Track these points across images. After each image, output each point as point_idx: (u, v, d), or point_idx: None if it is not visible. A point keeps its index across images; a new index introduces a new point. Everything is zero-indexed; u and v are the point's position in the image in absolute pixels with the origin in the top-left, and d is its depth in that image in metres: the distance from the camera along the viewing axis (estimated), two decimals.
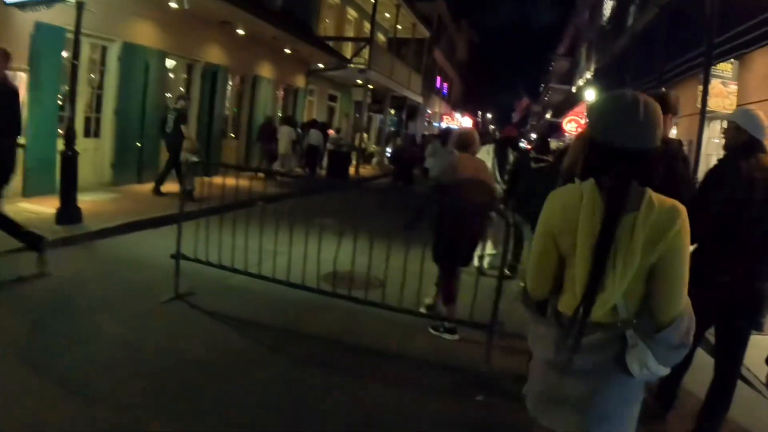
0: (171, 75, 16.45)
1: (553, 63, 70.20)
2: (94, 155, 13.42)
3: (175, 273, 7.06)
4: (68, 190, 9.60)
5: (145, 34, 14.40)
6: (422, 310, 7.04)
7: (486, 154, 9.92)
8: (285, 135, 20.32)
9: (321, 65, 24.78)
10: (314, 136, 21.88)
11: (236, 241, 7.59)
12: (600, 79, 31.31)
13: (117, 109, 13.77)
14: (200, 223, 7.64)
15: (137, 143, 14.45)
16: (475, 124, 61.01)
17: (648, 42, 18.53)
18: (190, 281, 7.25)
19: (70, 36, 9.93)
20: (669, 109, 4.31)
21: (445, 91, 58.46)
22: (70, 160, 9.63)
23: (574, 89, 47.22)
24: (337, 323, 6.89)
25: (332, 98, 29.99)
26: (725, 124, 4.66)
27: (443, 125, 48.25)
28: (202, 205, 10.58)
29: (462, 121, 56.54)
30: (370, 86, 29.33)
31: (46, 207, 10.11)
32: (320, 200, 13.85)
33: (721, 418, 4.45)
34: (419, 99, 39.59)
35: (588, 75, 39.97)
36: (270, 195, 15.46)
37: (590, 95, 28.42)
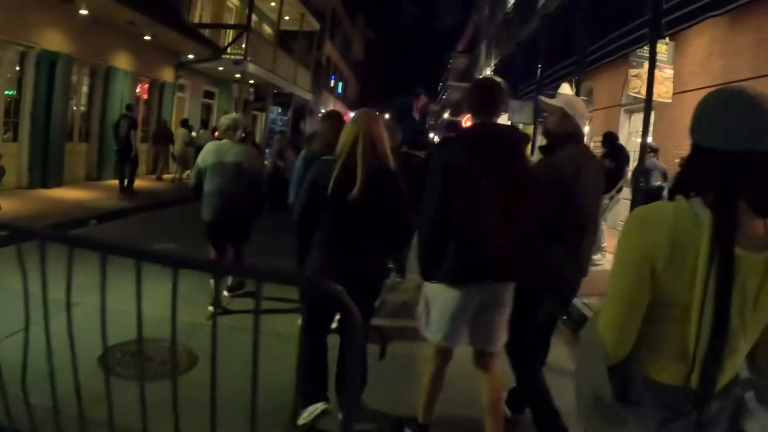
0: None
1: (451, 61, 69.58)
2: None
3: None
4: None
5: None
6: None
7: None
8: (180, 137, 19.83)
9: (192, 56, 21.78)
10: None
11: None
12: (504, 72, 29.43)
13: None
14: None
15: None
16: None
17: (566, 22, 16.45)
18: None
19: None
20: None
21: (339, 89, 56.60)
22: None
23: None
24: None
25: (209, 95, 26.89)
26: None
27: None
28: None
29: None
30: (251, 81, 26.68)
31: None
32: (178, 213, 12.15)
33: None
34: (308, 96, 36.89)
35: (488, 71, 38.96)
36: (114, 210, 13.10)
37: None
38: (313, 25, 35.70)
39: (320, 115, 45.63)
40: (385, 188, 4.23)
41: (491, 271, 3.88)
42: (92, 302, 5.65)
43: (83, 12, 14.76)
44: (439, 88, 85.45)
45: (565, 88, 20.88)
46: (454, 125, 45.03)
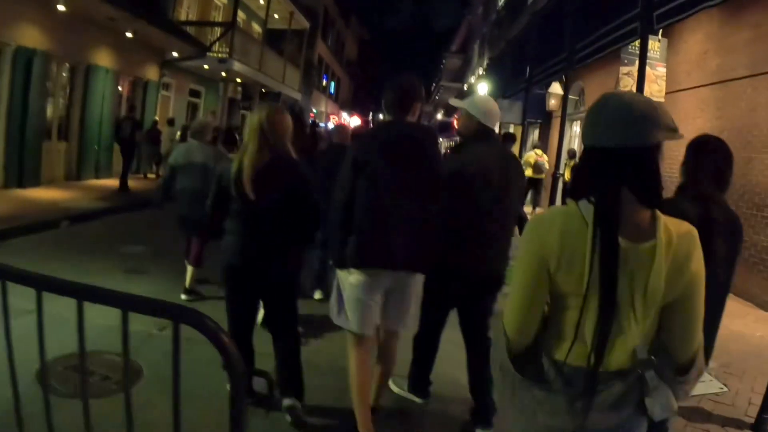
0: None
1: (444, 61, 69.26)
2: None
3: None
4: None
5: None
6: None
7: None
8: (167, 136, 19.72)
9: (176, 54, 21.34)
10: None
11: None
12: (494, 71, 29.11)
13: None
14: None
15: None
16: (365, 123, 60.23)
17: (555, 19, 16.07)
18: None
19: None
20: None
21: (332, 89, 56.26)
22: None
23: (465, 87, 46.56)
24: None
25: (195, 94, 26.43)
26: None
27: (330, 125, 46.11)
28: None
29: (350, 121, 54.55)
30: (238, 80, 26.31)
31: None
32: (155, 213, 11.94)
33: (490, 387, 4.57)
34: (297, 95, 36.39)
35: (480, 71, 38.74)
36: (90, 210, 12.84)
37: (483, 89, 26.36)
38: (303, 23, 35.29)
39: (311, 114, 45.47)
40: (283, 176, 4.37)
41: (386, 259, 4.09)
42: (47, 309, 5.48)
43: (61, 8, 14.39)
44: (432, 88, 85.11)
45: (555, 88, 20.57)
46: (446, 126, 44.70)
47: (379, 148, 4.10)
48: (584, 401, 2.10)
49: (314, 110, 47.11)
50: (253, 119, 4.38)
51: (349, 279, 4.17)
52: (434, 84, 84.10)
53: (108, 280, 7.56)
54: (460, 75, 56.53)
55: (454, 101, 5.10)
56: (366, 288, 4.13)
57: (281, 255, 4.50)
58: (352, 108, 65.38)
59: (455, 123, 5.31)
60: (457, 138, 5.28)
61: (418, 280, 4.34)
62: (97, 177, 18.01)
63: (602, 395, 2.10)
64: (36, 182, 14.88)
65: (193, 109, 26.40)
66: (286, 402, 4.53)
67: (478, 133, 4.52)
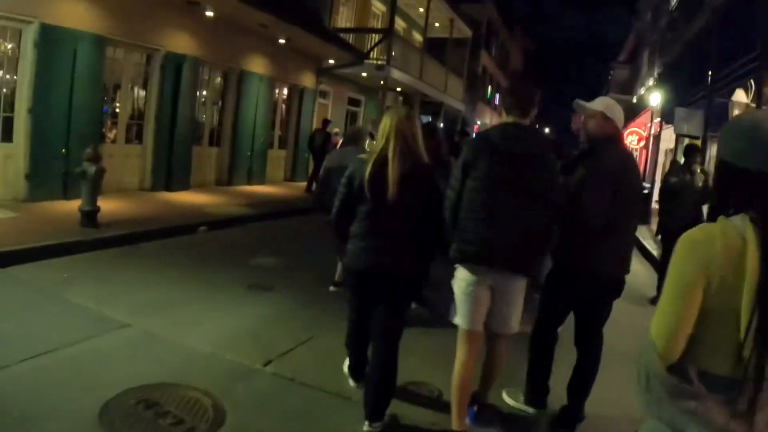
0: (118, 66, 13.39)
1: (612, 72, 66.68)
2: (3, 164, 10.77)
3: None
4: None
5: (75, 14, 11.47)
6: None
7: None
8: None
9: (332, 61, 21.12)
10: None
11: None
12: (668, 78, 27.03)
13: (32, 108, 10.89)
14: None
15: (63, 150, 11.45)
16: None
17: (741, 12, 14.37)
18: None
19: None
20: None
21: (496, 101, 55.15)
22: None
23: (635, 99, 44.30)
24: None
25: (354, 102, 26.30)
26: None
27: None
28: (114, 231, 9.43)
29: None
30: (398, 88, 25.82)
31: None
32: (300, 222, 12.45)
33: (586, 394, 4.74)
34: (460, 106, 35.45)
35: (650, 82, 36.59)
36: (234, 216, 12.70)
37: (655, 99, 24.41)
38: (465, 32, 34.39)
39: (476, 126, 44.60)
40: (420, 185, 4.35)
41: (486, 257, 4.15)
42: (145, 325, 5.17)
43: (209, 14, 14.44)
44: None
45: (739, 95, 18.48)
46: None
47: (489, 149, 4.20)
48: (747, 414, 2.07)
49: (479, 122, 46.17)
50: (387, 122, 4.38)
51: (458, 275, 4.31)
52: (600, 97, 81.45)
53: (226, 295, 7.18)
54: (629, 86, 54.09)
55: (584, 103, 4.91)
56: (471, 284, 4.22)
57: (410, 260, 4.42)
58: None
59: (581, 125, 4.95)
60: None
61: (521, 282, 4.35)
62: (249, 183, 18.04)
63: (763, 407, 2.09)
64: (185, 186, 15.01)
65: (352, 117, 26.29)
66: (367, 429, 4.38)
67: (612, 135, 4.65)
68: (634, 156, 4.75)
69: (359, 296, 4.65)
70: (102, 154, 9.82)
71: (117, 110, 13.53)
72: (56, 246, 8.10)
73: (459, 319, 4.33)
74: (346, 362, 5.17)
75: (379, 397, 4.41)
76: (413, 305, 7.44)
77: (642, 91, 40.36)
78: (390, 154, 4.25)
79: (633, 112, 36.00)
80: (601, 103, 4.78)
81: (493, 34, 48.22)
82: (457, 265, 4.31)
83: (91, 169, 9.28)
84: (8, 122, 10.83)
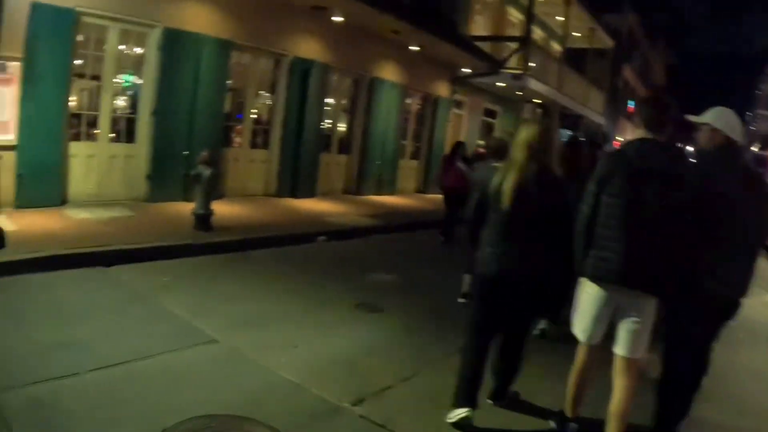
0: (244, 71, 13.41)
1: (762, 86, 63.20)
2: (126, 164, 10.94)
3: None
4: None
5: (199, 18, 11.60)
6: None
7: None
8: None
9: (467, 70, 20.27)
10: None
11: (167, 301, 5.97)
12: None
13: (156, 110, 11.02)
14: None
15: (184, 152, 11.31)
16: None
17: None
18: None
19: (88, 20, 9.73)
20: None
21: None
22: None
23: None
24: None
25: (490, 114, 25.37)
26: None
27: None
28: (226, 236, 9.21)
29: None
30: (536, 100, 24.75)
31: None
32: (419, 239, 12.03)
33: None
34: (600, 120, 33.86)
35: None
36: (355, 227, 12.14)
37: None
38: (605, 41, 32.84)
39: (615, 142, 42.78)
40: (549, 197, 4.38)
41: (622, 276, 4.01)
42: (232, 342, 5.04)
43: (337, 19, 14.03)
44: (746, 117, 78.59)
45: None
46: (762, 160, 40.06)
47: (625, 164, 4.09)
48: None
49: (619, 138, 44.32)
50: (521, 135, 4.49)
51: (585, 289, 4.25)
52: (748, 113, 78.00)
53: (330, 313, 6.53)
54: None
55: (692, 117, 4.73)
56: (596, 301, 4.17)
57: (539, 268, 4.46)
58: None
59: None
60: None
61: (652, 304, 4.15)
62: (378, 193, 17.50)
63: None
64: (310, 194, 14.67)
65: (487, 129, 25.40)
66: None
67: (723, 146, 4.42)
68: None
69: (486, 306, 4.59)
70: (221, 158, 9.63)
71: (242, 115, 13.51)
72: (164, 248, 7.83)
73: (578, 332, 4.33)
74: (453, 413, 4.47)
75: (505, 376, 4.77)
76: (547, 323, 6.82)
77: None
78: (522, 165, 4.35)
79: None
80: (709, 115, 4.58)
81: (634, 45, 46.29)
82: (584, 278, 4.25)
83: (206, 172, 9.11)
84: (131, 123, 11.02)
